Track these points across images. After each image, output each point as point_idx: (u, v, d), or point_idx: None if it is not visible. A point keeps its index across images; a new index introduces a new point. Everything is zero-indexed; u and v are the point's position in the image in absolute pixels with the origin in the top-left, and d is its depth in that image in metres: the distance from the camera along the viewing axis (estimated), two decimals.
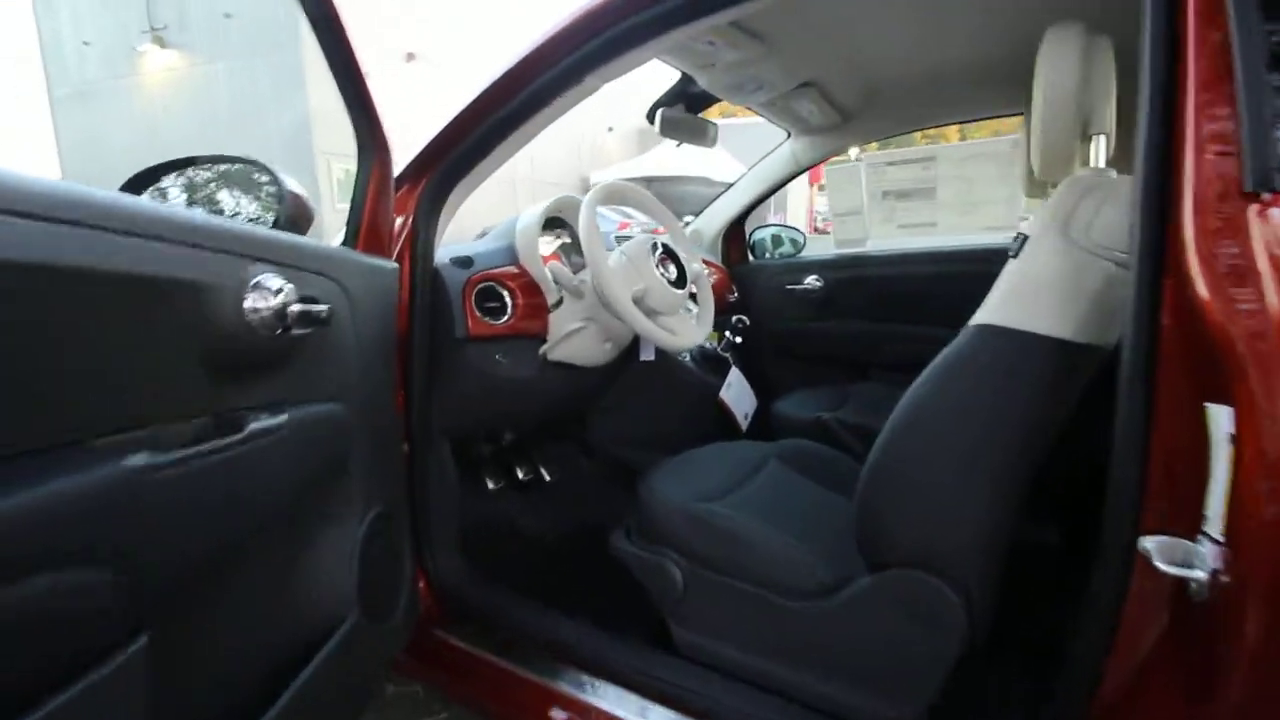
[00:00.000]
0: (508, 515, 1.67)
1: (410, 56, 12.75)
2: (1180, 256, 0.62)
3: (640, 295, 1.26)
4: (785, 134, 2.05)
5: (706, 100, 1.68)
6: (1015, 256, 0.82)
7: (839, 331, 2.17)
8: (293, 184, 1.03)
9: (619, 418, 1.72)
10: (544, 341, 1.36)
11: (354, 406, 0.94)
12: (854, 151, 2.28)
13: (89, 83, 13.58)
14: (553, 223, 1.48)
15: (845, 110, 1.82)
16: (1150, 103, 0.66)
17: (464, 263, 1.30)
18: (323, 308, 0.79)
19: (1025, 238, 0.82)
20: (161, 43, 12.92)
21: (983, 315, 0.82)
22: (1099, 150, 0.86)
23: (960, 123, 1.81)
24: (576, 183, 16.67)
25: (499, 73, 1.12)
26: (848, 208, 2.12)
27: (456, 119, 1.17)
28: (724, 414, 1.63)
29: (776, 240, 2.49)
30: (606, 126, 18.51)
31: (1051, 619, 1.07)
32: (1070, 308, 0.77)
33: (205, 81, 12.62)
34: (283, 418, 0.78)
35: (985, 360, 0.81)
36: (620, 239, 1.71)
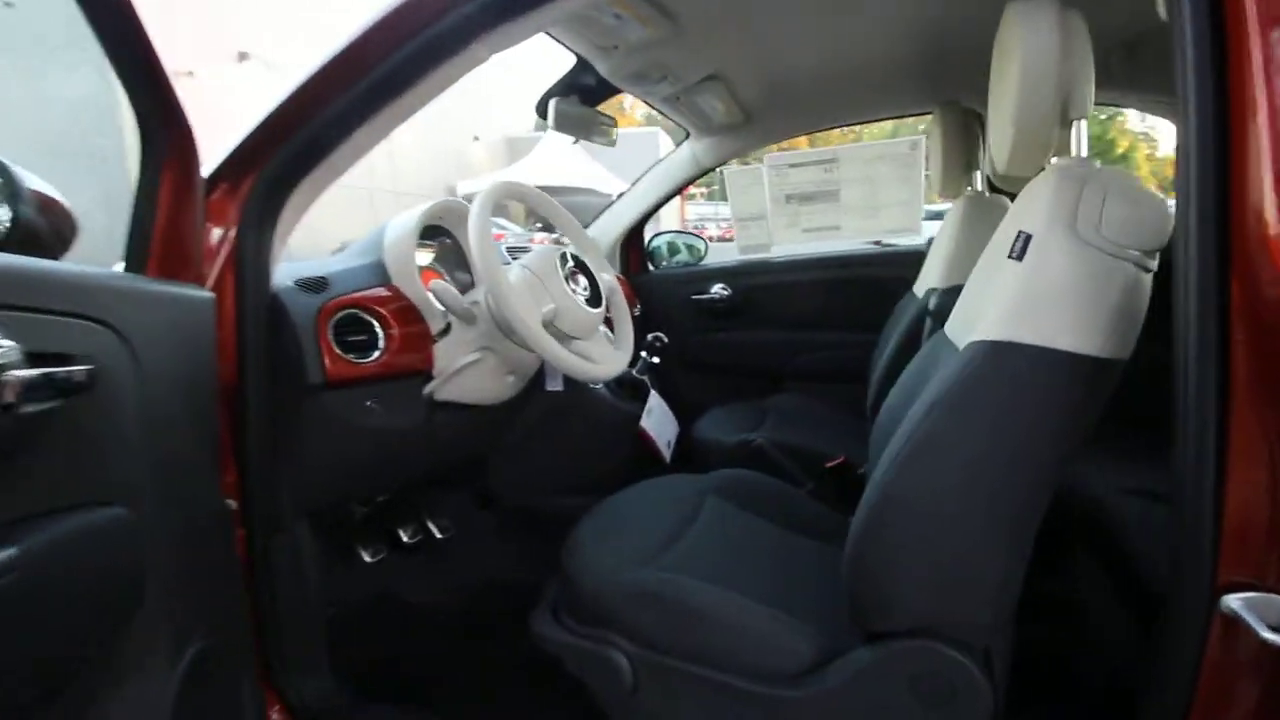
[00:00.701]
0: (393, 591, 1.36)
1: (243, 56, 11.57)
2: (1255, 253, 0.51)
3: (550, 318, 1.04)
4: (684, 135, 1.91)
5: (602, 93, 1.48)
6: (1018, 259, 0.69)
7: (750, 342, 2.06)
8: (37, 183, 0.71)
9: (524, 459, 1.47)
10: (429, 379, 1.10)
11: (147, 504, 0.64)
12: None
13: None
14: (431, 233, 1.21)
15: (749, 108, 1.70)
16: (1196, 71, 0.54)
17: (314, 285, 1.00)
18: (79, 369, 0.50)
19: (1027, 237, 0.69)
20: None
21: (992, 329, 0.68)
22: (1080, 137, 0.76)
23: (865, 123, 1.76)
24: (442, 193, 15.86)
25: (354, 35, 0.85)
26: (751, 212, 2.01)
27: (294, 97, 0.88)
28: (645, 445, 1.43)
29: (673, 248, 2.34)
30: (472, 135, 17.87)
31: (1072, 676, 0.96)
32: (1094, 318, 0.65)
33: None
34: (7, 553, 0.48)
35: (1002, 384, 0.67)
36: (513, 252, 1.47)
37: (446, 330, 1.10)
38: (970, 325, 0.79)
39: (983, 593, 0.71)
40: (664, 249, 2.32)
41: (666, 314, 2.13)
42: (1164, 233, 0.67)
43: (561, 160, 13.41)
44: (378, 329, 1.04)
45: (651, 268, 2.24)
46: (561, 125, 1.41)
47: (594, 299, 1.11)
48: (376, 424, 1.04)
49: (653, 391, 1.47)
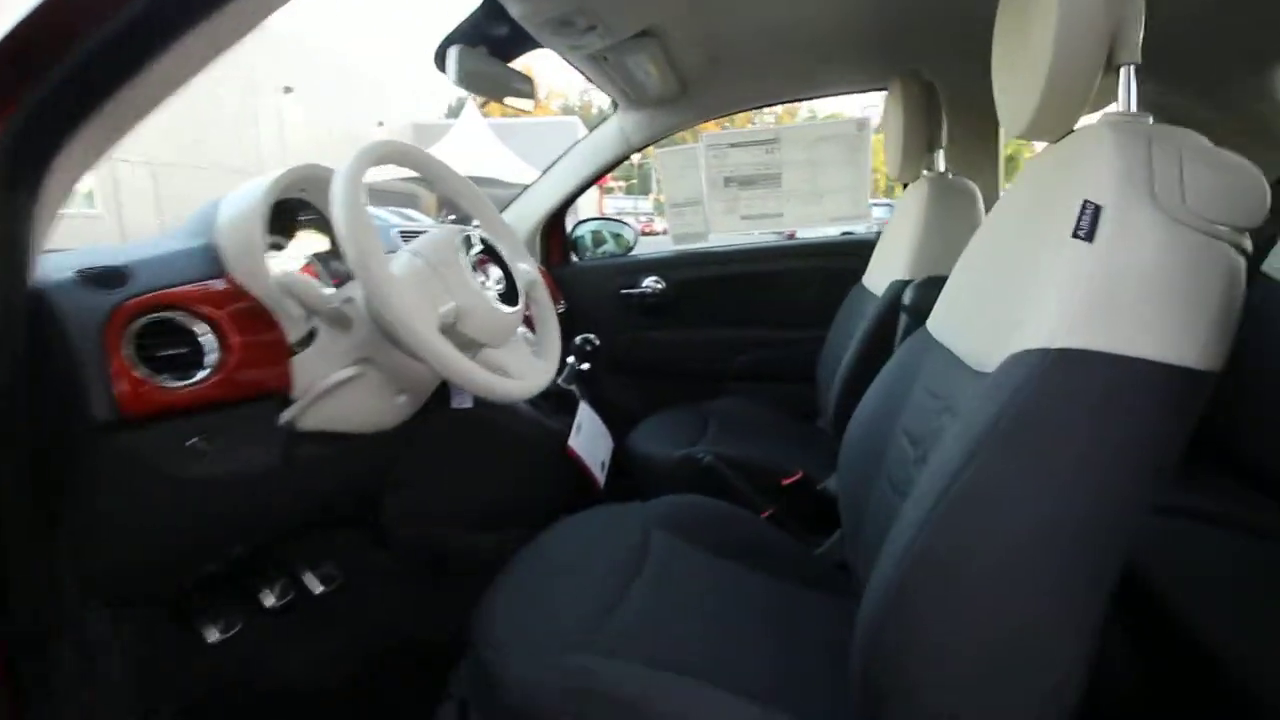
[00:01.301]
0: (251, 676, 1.06)
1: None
2: None
3: (451, 319, 0.78)
4: (612, 107, 1.68)
5: (515, 44, 1.23)
6: (1087, 238, 0.51)
7: (686, 340, 1.86)
8: None
9: (427, 489, 1.21)
10: (287, 403, 0.82)
11: None
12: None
13: None
14: (287, 211, 0.92)
15: (686, 76, 1.49)
16: None
17: (106, 278, 0.71)
18: None
19: (1096, 208, 0.52)
20: None
21: (1053, 334, 0.50)
22: (1130, 84, 0.60)
23: (813, 98, 1.60)
24: None
25: None
26: (686, 197, 1.82)
27: (49, 7, 0.58)
28: (575, 468, 1.20)
29: (599, 237, 2.11)
30: (376, 121, 16.85)
31: None
32: (1190, 316, 0.48)
33: None
34: None
35: (1076, 408, 0.49)
36: (406, 237, 1.19)
37: (310, 338, 0.82)
38: (997, 330, 0.62)
39: (1043, 681, 0.53)
40: (589, 238, 2.08)
41: (593, 311, 1.90)
42: (1261, 207, 0.51)
43: (473, 150, 12.82)
44: (207, 338, 0.76)
45: (575, 259, 2.00)
46: (465, 80, 1.14)
47: (509, 295, 0.86)
48: (207, 471, 0.75)
49: (582, 404, 1.24)
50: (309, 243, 1.00)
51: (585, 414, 1.22)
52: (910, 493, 0.70)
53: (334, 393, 0.82)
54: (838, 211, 1.74)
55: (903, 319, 1.02)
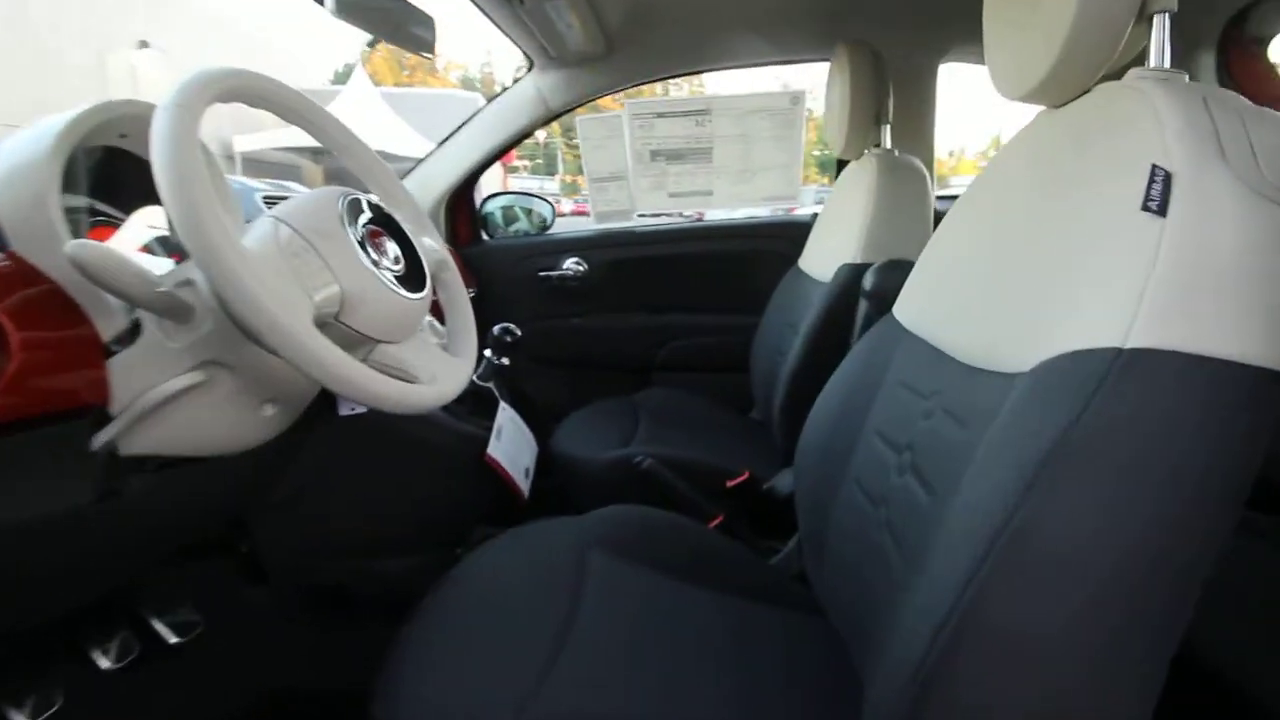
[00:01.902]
0: None
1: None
2: None
3: (334, 309, 0.60)
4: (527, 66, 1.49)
5: None
6: (1160, 211, 0.41)
7: (611, 328, 1.72)
8: None
9: (310, 514, 1.00)
10: (104, 419, 0.60)
11: None
12: None
13: None
14: (121, 170, 0.69)
15: (613, 34, 1.34)
16: None
17: None
18: None
19: (1167, 176, 0.42)
20: None
21: (1128, 331, 0.40)
22: (1165, 34, 0.51)
23: (750, 66, 1.48)
24: (216, 149, 13.40)
25: None
26: (609, 170, 1.66)
27: None
28: (496, 477, 1.04)
29: (510, 214, 1.91)
30: None
31: None
32: (1274, 306, 0.40)
33: None
34: None
35: (1157, 422, 0.39)
36: (271, 202, 0.96)
37: (133, 333, 0.61)
38: (1019, 323, 0.52)
39: None
40: (499, 215, 1.88)
41: (507, 296, 1.71)
42: None
43: (363, 119, 11.89)
44: None
45: (486, 237, 1.80)
46: (345, 12, 0.93)
47: (412, 277, 0.68)
48: None
49: (502, 404, 1.07)
50: (151, 215, 0.77)
51: (506, 416, 1.06)
52: (907, 514, 0.60)
53: (170, 406, 0.62)
54: (770, 190, 1.65)
55: (862, 306, 0.93)
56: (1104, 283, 0.43)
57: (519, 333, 1.06)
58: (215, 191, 0.53)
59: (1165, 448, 0.39)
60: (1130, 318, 0.40)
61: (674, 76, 1.45)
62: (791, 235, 1.57)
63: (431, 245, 0.82)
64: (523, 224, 1.90)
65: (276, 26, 14.63)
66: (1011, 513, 0.40)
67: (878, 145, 1.22)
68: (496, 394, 1.07)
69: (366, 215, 0.66)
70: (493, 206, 1.84)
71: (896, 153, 1.19)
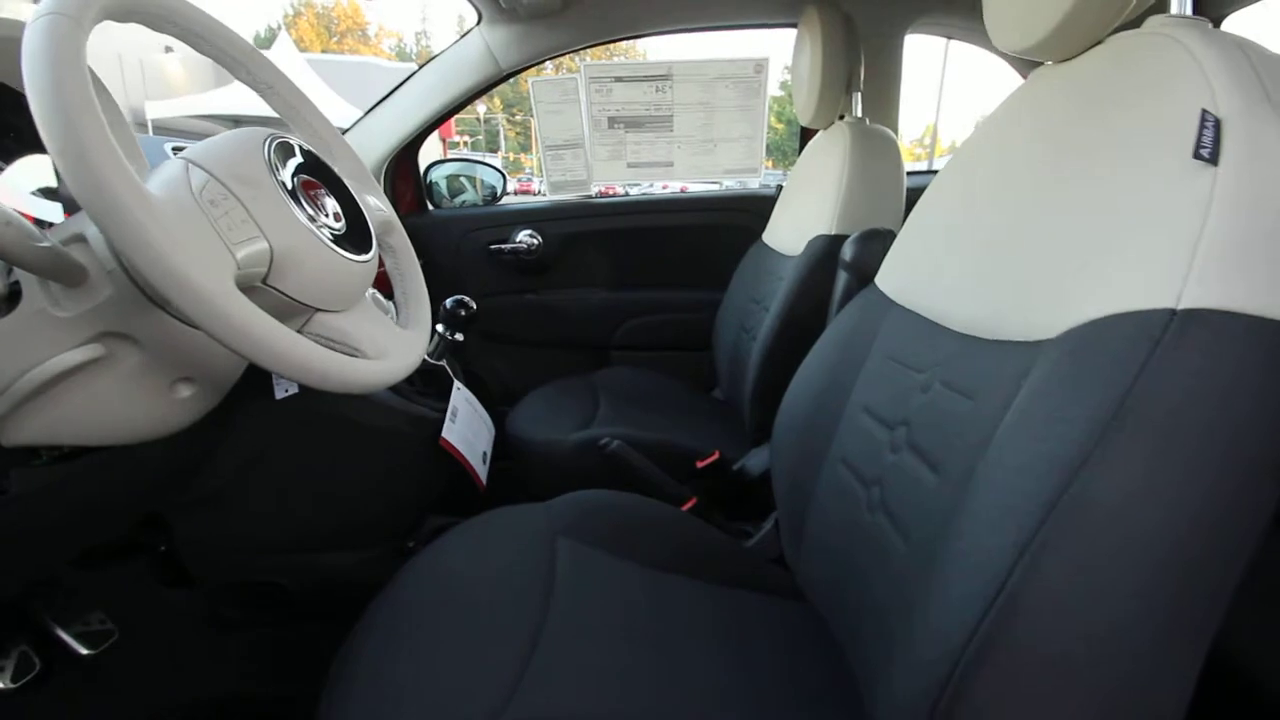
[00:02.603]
0: None
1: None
2: None
3: (262, 270, 0.50)
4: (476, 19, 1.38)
5: None
6: (1209, 158, 0.38)
7: (566, 304, 1.64)
8: None
9: (241, 507, 0.89)
10: None
11: None
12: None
13: None
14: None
15: None
16: None
17: None
18: None
19: (1216, 121, 0.38)
20: None
21: (1181, 290, 0.36)
22: None
23: (715, 29, 1.41)
24: (126, 116, 12.34)
25: None
26: (564, 138, 1.57)
27: None
28: (452, 463, 0.95)
29: (456, 184, 1.79)
30: (163, 46, 14.15)
31: None
32: None
33: None
34: None
35: (1214, 389, 0.36)
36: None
37: (11, 300, 0.50)
38: (1038, 287, 0.48)
39: None
40: (445, 184, 1.76)
41: (456, 269, 1.61)
42: None
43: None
44: None
45: (431, 207, 1.68)
46: None
47: (354, 237, 0.59)
48: None
49: (457, 384, 0.98)
50: (37, 165, 0.64)
51: (461, 397, 0.97)
52: (907, 494, 0.57)
53: (61, 386, 0.51)
54: (731, 163, 1.60)
55: (842, 278, 0.89)
56: (1148, 241, 0.39)
57: (474, 306, 0.97)
58: (111, 129, 0.43)
59: (1225, 416, 0.35)
60: (1182, 277, 0.37)
61: (634, 37, 1.37)
62: (755, 208, 1.52)
63: (376, 204, 0.73)
64: (469, 194, 1.78)
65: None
66: (1061, 489, 0.36)
67: (845, 115, 1.18)
68: (450, 373, 0.98)
69: (298, 161, 0.56)
70: (438, 175, 1.72)
71: (868, 121, 1.16)
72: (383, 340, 0.61)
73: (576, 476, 1.13)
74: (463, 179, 1.80)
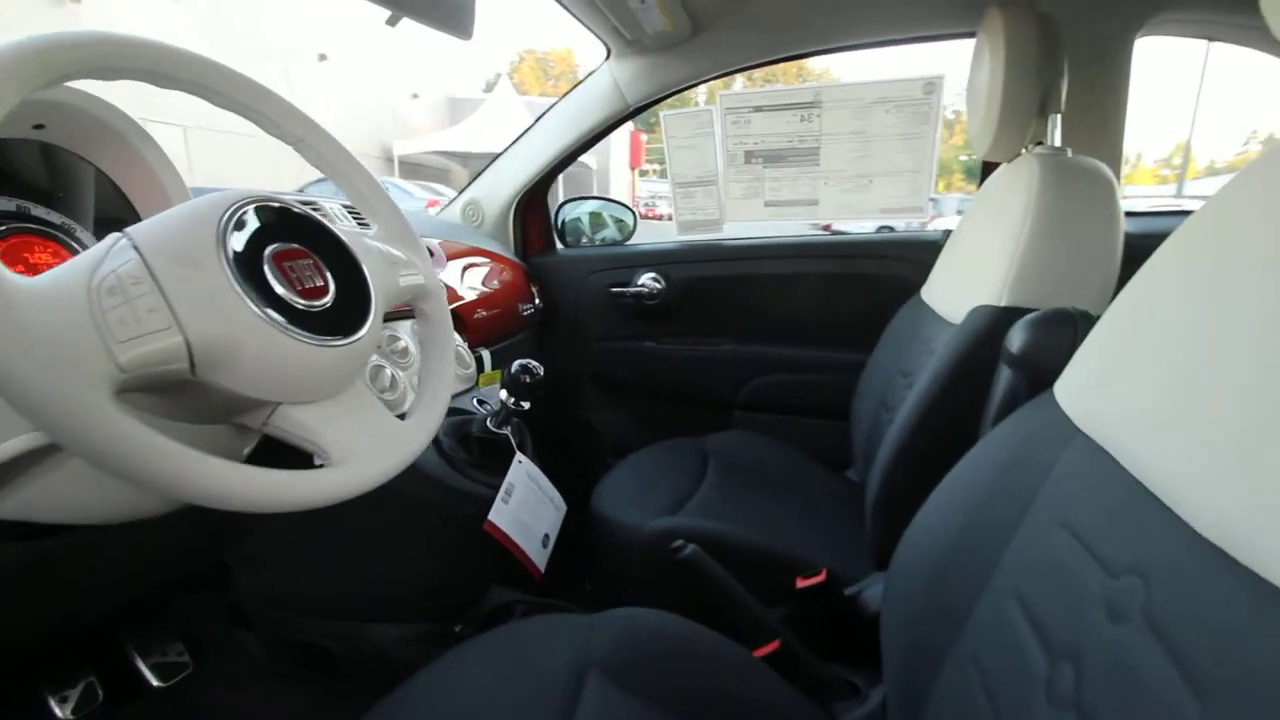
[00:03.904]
0: None
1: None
2: None
3: (174, 365, 0.42)
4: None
5: None
6: None
7: (689, 355, 1.49)
8: None
9: (280, 570, 0.87)
10: None
11: None
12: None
13: None
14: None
15: (698, 11, 1.11)
16: None
17: None
18: None
19: None
20: None
21: None
22: None
23: (871, 46, 1.19)
24: (376, 153, 14.70)
25: None
26: (696, 174, 1.44)
27: None
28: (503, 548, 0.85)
29: (596, 220, 1.74)
30: (411, 93, 16.63)
31: None
32: None
33: None
34: None
35: None
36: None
37: None
38: None
39: None
40: (583, 222, 1.71)
41: (573, 312, 1.54)
42: None
43: (505, 125, 12.50)
44: None
45: (560, 247, 1.64)
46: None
47: (340, 315, 0.50)
48: None
49: (519, 457, 0.88)
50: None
51: (521, 471, 0.87)
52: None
53: (26, 467, 0.48)
54: (890, 201, 1.34)
55: (1004, 374, 0.64)
56: None
57: (540, 372, 0.86)
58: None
59: None
60: None
61: (772, 62, 1.20)
62: (916, 257, 1.26)
63: (410, 269, 0.64)
64: (610, 231, 1.72)
65: (432, 40, 15.80)
66: None
67: (1040, 143, 0.89)
68: (512, 441, 0.88)
69: (267, 228, 0.48)
70: (570, 212, 1.68)
71: (1069, 152, 0.86)
72: (356, 440, 0.51)
73: (650, 572, 0.97)
74: (605, 215, 1.74)
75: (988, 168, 1.21)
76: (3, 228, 0.58)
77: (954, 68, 1.24)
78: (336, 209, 0.95)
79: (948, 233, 1.19)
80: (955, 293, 0.95)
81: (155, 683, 0.90)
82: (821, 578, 0.86)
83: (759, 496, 1.09)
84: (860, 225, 1.66)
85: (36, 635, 0.69)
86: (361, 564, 0.87)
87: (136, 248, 0.42)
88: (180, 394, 0.47)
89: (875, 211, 1.36)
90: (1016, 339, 0.62)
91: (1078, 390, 0.49)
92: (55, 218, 0.63)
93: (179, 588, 0.93)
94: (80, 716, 0.82)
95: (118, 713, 0.86)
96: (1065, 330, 0.59)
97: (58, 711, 0.81)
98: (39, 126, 0.58)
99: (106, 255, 0.41)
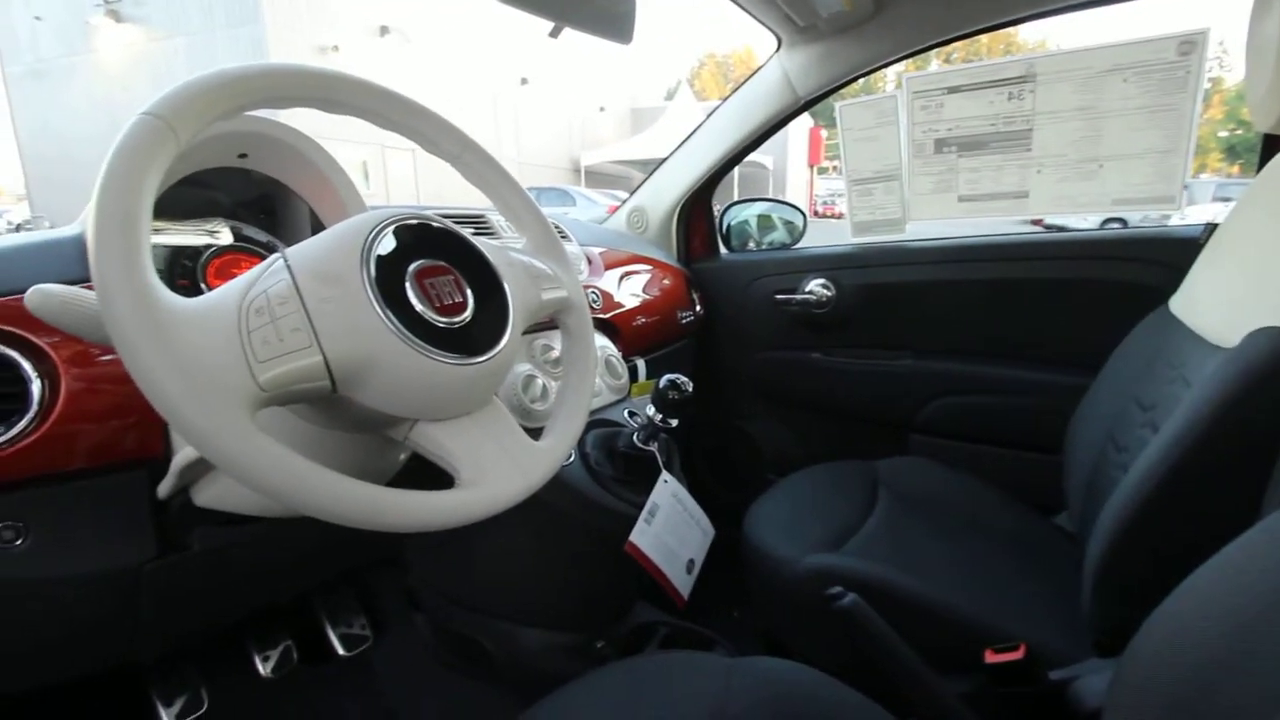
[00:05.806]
0: None
1: (384, 30, 12.23)
2: None
3: (316, 383, 0.43)
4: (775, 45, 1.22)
5: None
6: None
7: (862, 370, 1.35)
8: None
9: (451, 562, 0.92)
10: (160, 470, 0.55)
11: None
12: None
13: (44, 60, 12.95)
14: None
15: None
16: None
17: None
18: None
19: None
20: (116, 17, 12.23)
21: None
22: None
23: (1092, 5, 0.96)
24: (566, 164, 15.80)
25: None
26: (875, 169, 1.29)
27: None
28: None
29: (764, 222, 1.65)
30: (598, 106, 17.62)
31: None
32: None
33: (164, 57, 11.93)
34: None
35: None
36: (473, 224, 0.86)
37: None
38: None
39: None
40: (751, 225, 1.63)
41: (736, 320, 1.47)
42: None
43: (686, 129, 12.73)
44: (28, 369, 0.51)
45: (725, 251, 1.58)
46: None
47: (478, 333, 0.50)
48: (16, 572, 0.51)
49: (665, 476, 0.84)
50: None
51: (666, 492, 0.83)
52: None
53: None
54: (1129, 190, 1.09)
55: None
56: None
57: (689, 388, 0.81)
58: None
59: None
60: None
61: (965, 36, 1.02)
62: (1165, 258, 1.01)
63: (554, 283, 0.63)
64: (779, 234, 1.62)
65: (616, 54, 16.59)
66: None
67: None
68: (659, 459, 0.85)
69: (412, 245, 0.49)
70: (737, 215, 1.61)
71: None
72: (485, 460, 0.50)
73: (804, 614, 0.87)
74: (775, 218, 1.65)
75: (1271, 144, 0.93)
76: (217, 246, 0.66)
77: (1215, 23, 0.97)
78: (501, 222, 0.98)
79: (1212, 227, 0.93)
80: (1225, 307, 0.73)
81: (341, 651, 1.00)
82: (1020, 654, 0.70)
83: (939, 539, 0.94)
84: (1079, 220, 1.38)
85: (242, 604, 0.79)
86: (513, 568, 0.90)
87: (289, 267, 0.44)
88: (332, 407, 0.49)
89: (1107, 203, 1.11)
90: None
91: None
92: (262, 236, 0.71)
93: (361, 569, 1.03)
94: (279, 675, 0.93)
95: (307, 674, 0.96)
96: None
97: (260, 669, 0.92)
98: (243, 156, 0.65)
99: (262, 275, 0.44)
